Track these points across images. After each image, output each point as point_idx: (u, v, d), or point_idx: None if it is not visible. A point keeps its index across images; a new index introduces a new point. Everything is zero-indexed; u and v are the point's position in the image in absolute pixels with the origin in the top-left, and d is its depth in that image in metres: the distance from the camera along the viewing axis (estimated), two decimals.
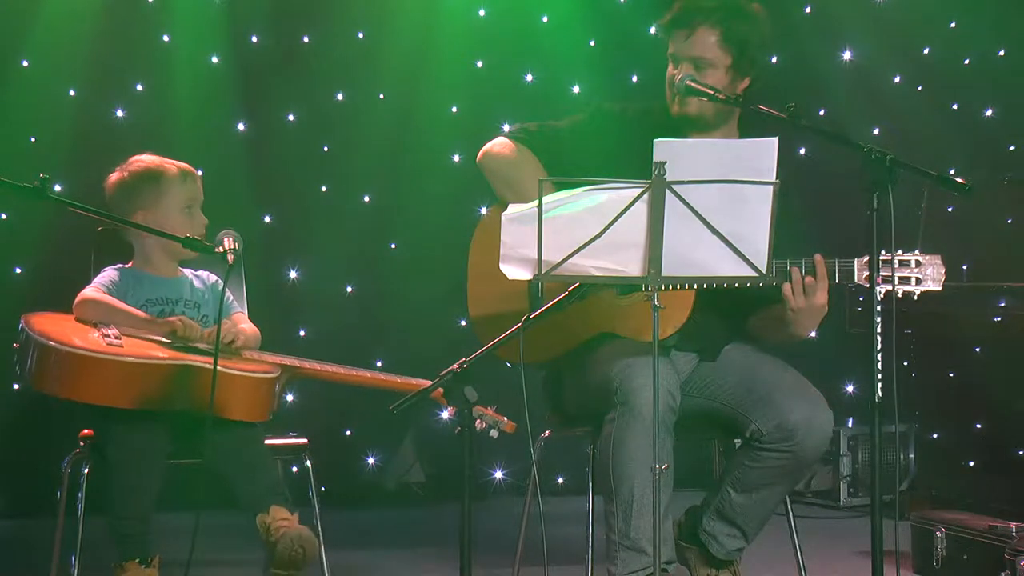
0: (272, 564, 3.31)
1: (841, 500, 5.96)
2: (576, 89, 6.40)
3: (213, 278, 3.79)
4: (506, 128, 3.78)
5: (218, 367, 3.26)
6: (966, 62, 6.38)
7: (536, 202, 2.86)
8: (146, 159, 3.72)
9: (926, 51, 6.49)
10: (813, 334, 3.36)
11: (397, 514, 6.02)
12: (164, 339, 3.49)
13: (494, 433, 3.19)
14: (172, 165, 3.70)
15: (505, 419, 3.24)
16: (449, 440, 3.24)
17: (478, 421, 3.13)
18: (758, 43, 3.59)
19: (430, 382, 3.12)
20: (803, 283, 3.32)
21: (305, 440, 3.75)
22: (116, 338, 3.39)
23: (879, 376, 3.05)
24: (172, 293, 3.68)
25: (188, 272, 3.76)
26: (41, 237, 5.47)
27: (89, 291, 3.57)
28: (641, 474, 3.32)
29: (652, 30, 3.72)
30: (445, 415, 3.33)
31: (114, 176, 3.72)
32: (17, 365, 3.41)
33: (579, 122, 3.71)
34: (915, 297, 3.30)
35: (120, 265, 3.70)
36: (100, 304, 3.52)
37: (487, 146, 3.70)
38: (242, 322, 3.74)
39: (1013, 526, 4.08)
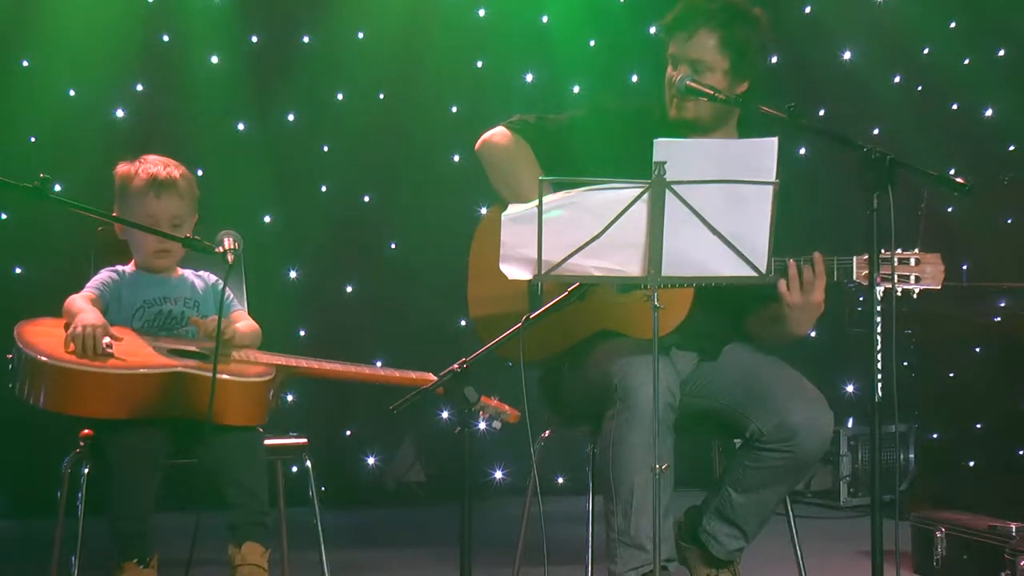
0: None
1: (841, 500, 5.96)
2: (576, 89, 6.41)
3: (214, 278, 3.77)
4: (514, 118, 3.77)
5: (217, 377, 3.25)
6: (966, 62, 6.38)
7: (536, 202, 2.86)
8: (136, 163, 3.65)
9: (926, 51, 6.49)
10: (813, 333, 3.38)
11: (397, 514, 6.02)
12: (158, 344, 3.47)
13: (497, 424, 3.19)
14: (143, 176, 3.60)
15: (508, 408, 3.24)
16: (449, 440, 3.24)
17: (481, 412, 3.13)
18: (757, 47, 3.59)
19: (427, 374, 3.12)
20: (800, 278, 3.31)
21: (305, 440, 3.75)
22: (108, 347, 3.36)
23: (879, 376, 3.05)
24: (171, 292, 3.66)
25: (189, 272, 3.75)
26: (41, 237, 5.47)
27: (72, 296, 3.54)
28: (641, 472, 3.31)
29: (652, 30, 3.71)
30: (445, 415, 3.33)
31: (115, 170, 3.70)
32: (11, 377, 3.37)
33: (578, 117, 3.72)
34: (914, 295, 3.30)
35: (118, 266, 3.69)
36: (66, 311, 3.48)
37: (487, 135, 3.71)
38: (242, 319, 3.73)
39: (1013, 526, 4.08)
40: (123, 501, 3.32)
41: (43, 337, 3.38)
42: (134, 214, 3.58)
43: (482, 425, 3.18)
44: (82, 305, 3.48)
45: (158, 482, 3.37)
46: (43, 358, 3.29)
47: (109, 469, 3.34)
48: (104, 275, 3.63)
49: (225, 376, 3.37)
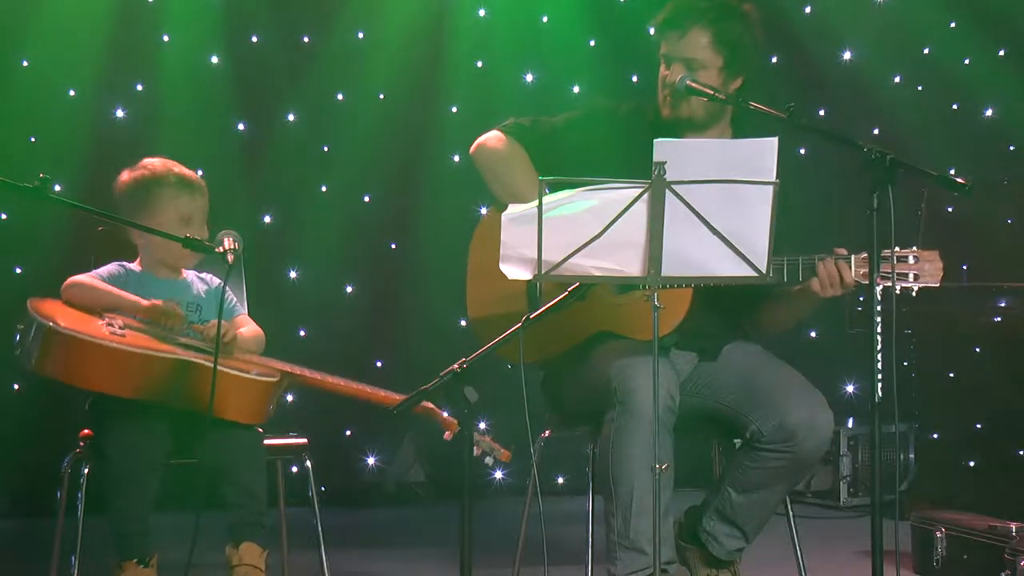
0: None
1: (841, 500, 5.96)
2: (576, 89, 6.41)
3: (216, 280, 3.77)
4: (508, 121, 3.77)
5: (218, 367, 3.27)
6: (966, 62, 6.38)
7: (536, 202, 2.86)
8: (152, 164, 3.66)
9: (926, 51, 6.49)
10: (813, 333, 3.37)
11: (397, 514, 6.02)
12: (151, 325, 3.48)
13: (489, 460, 3.21)
14: (173, 176, 3.63)
15: (502, 449, 3.25)
16: (449, 440, 3.26)
17: (475, 448, 3.14)
18: (750, 44, 3.59)
19: (427, 404, 3.14)
20: (829, 276, 3.31)
21: (305, 440, 3.75)
22: (120, 328, 3.39)
23: (879, 376, 3.05)
24: (176, 295, 3.66)
25: (192, 275, 3.75)
26: (41, 237, 5.47)
27: (78, 276, 3.56)
28: (640, 474, 3.31)
29: (652, 31, 3.71)
30: (447, 436, 3.35)
31: (120, 178, 3.68)
32: (19, 348, 3.39)
33: (573, 119, 3.72)
34: (913, 293, 3.30)
35: (125, 262, 3.69)
36: (86, 286, 3.51)
37: (481, 139, 3.71)
38: (246, 324, 3.73)
39: (1013, 526, 4.07)
40: (123, 500, 3.32)
41: (57, 312, 3.40)
42: (165, 214, 3.59)
43: (476, 452, 3.18)
44: (105, 284, 3.51)
45: (158, 482, 3.38)
46: (58, 327, 3.30)
47: (109, 468, 3.35)
48: (112, 266, 3.64)
49: (231, 370, 3.38)
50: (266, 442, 3.56)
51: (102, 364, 3.32)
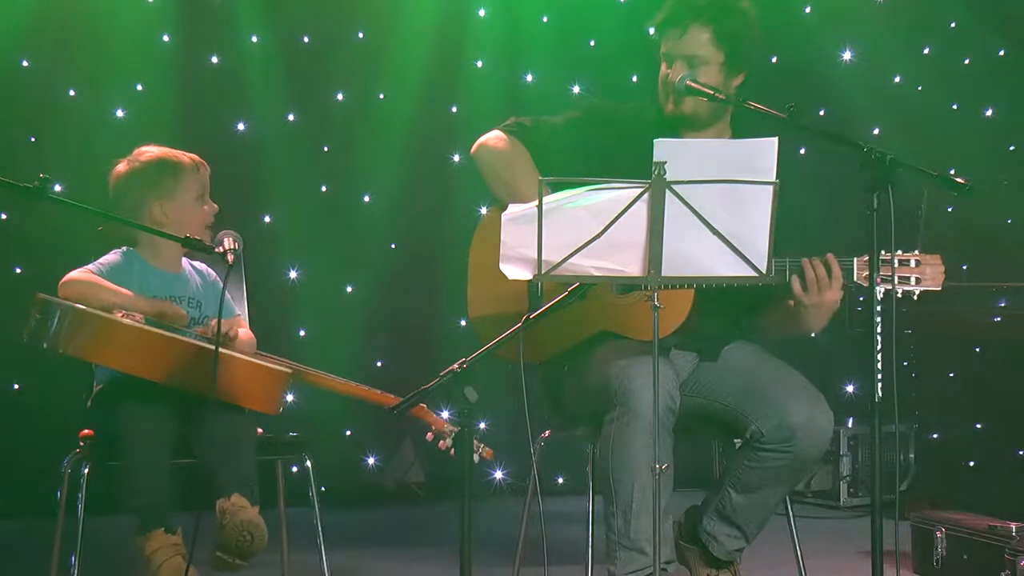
0: (218, 547, 3.25)
1: (841, 500, 5.96)
2: (576, 89, 6.41)
3: (213, 274, 3.78)
4: (509, 121, 3.78)
5: (240, 357, 3.30)
6: (966, 62, 6.38)
7: (536, 202, 2.86)
8: (155, 150, 3.69)
9: (926, 51, 6.50)
10: (813, 333, 3.36)
11: (397, 514, 6.02)
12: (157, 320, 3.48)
13: (476, 458, 3.22)
14: (183, 155, 3.71)
15: (483, 446, 3.27)
16: (431, 441, 3.27)
17: (452, 451, 3.15)
18: (750, 39, 3.60)
19: (422, 406, 3.16)
20: (816, 279, 3.30)
21: (305, 440, 3.75)
22: (138, 321, 3.39)
23: (879, 376, 3.05)
24: (176, 291, 3.66)
25: (187, 264, 3.75)
26: (41, 237, 5.47)
27: (75, 272, 3.54)
28: (641, 474, 3.31)
29: (651, 31, 3.71)
30: (429, 437, 3.39)
31: (123, 167, 3.67)
32: (32, 333, 3.34)
33: (574, 119, 3.72)
34: (915, 297, 3.30)
35: (124, 248, 3.66)
36: (85, 282, 3.49)
37: (482, 139, 3.71)
38: (240, 326, 3.73)
39: (1013, 526, 4.08)
40: (140, 476, 3.29)
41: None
42: (187, 192, 3.65)
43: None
44: (106, 281, 3.51)
45: (170, 457, 3.36)
46: (83, 307, 3.31)
47: (122, 449, 3.31)
48: (111, 256, 3.63)
49: (252, 359, 3.43)
50: (265, 443, 3.56)
51: (124, 342, 3.32)
